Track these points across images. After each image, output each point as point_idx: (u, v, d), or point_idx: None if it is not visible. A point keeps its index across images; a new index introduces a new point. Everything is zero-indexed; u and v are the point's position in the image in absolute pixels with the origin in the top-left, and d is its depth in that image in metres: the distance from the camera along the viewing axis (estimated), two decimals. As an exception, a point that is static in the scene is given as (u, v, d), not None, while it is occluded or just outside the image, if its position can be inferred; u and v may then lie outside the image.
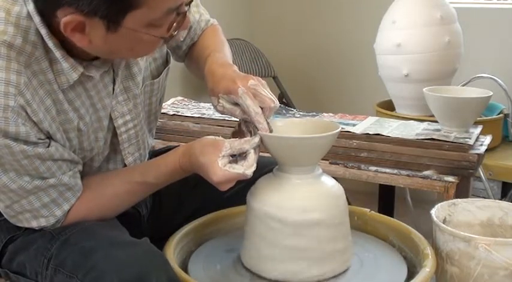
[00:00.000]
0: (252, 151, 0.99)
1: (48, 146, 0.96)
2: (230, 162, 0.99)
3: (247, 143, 0.99)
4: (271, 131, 1.01)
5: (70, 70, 0.96)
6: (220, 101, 1.04)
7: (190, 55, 1.28)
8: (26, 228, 1.05)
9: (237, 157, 1.00)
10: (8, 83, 0.90)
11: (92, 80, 1.02)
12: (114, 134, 1.11)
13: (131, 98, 1.11)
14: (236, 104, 1.03)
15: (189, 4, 0.95)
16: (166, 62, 1.20)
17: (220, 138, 1.02)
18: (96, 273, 0.90)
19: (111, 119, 1.09)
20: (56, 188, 1.00)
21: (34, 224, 1.02)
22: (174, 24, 0.94)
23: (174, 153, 1.07)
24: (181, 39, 1.25)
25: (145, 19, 0.89)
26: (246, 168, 0.98)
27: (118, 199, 1.08)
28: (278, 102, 1.03)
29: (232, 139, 1.01)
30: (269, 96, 1.02)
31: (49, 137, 0.97)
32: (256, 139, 1.00)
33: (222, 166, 0.97)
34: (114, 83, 1.07)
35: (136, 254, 0.92)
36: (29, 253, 1.03)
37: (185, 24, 0.96)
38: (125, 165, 1.15)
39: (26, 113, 0.92)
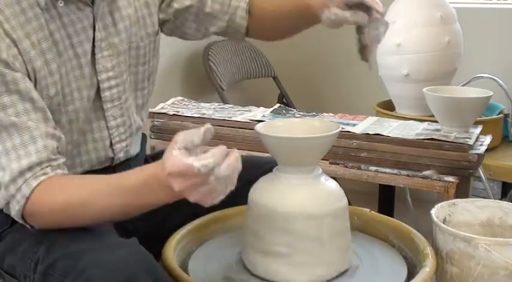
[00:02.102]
0: (218, 149, 0.84)
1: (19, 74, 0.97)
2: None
3: (196, 134, 0.86)
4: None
5: None
6: (332, 9, 1.06)
7: (264, 11, 1.27)
8: (12, 223, 1.03)
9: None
10: None
11: (68, 14, 1.04)
12: (97, 92, 1.11)
13: (115, 55, 1.12)
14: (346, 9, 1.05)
15: None
16: (156, 33, 1.22)
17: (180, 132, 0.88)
18: (84, 277, 0.89)
19: (94, 74, 1.10)
20: (18, 128, 0.96)
21: None
22: None
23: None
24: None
25: None
26: (199, 159, 0.82)
27: (90, 197, 0.95)
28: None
29: (189, 131, 0.87)
30: None
31: (27, 70, 0.98)
32: (203, 129, 0.86)
33: (176, 155, 0.84)
34: (94, 29, 1.09)
35: (124, 257, 0.91)
36: (17, 255, 1.03)
37: None
38: (109, 133, 1.15)
39: (4, 29, 0.95)
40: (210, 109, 1.93)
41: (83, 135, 1.13)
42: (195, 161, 0.82)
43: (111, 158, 1.18)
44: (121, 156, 1.20)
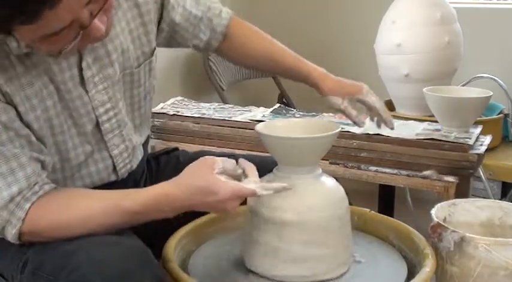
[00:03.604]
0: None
1: None
2: None
3: (239, 168, 0.99)
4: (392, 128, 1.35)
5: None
6: (345, 102, 1.31)
7: (243, 52, 1.40)
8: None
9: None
10: None
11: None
12: (97, 125, 1.09)
13: (110, 86, 1.09)
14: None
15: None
16: (153, 52, 1.20)
17: (209, 157, 0.98)
18: (77, 274, 0.89)
19: (92, 110, 1.07)
20: (5, 156, 0.94)
21: None
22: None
23: (159, 184, 0.99)
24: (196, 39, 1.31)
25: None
26: (260, 187, 0.95)
27: (88, 217, 0.97)
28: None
29: (225, 158, 0.97)
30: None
31: (8, 103, 0.95)
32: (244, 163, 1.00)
33: (227, 181, 0.93)
34: (80, 66, 1.04)
35: (117, 252, 0.91)
36: (6, 257, 1.03)
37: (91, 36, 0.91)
38: (113, 162, 1.14)
39: None
40: (210, 109, 1.93)
41: (86, 168, 1.11)
42: (258, 188, 0.95)
43: (114, 179, 1.17)
44: (124, 176, 1.19)
